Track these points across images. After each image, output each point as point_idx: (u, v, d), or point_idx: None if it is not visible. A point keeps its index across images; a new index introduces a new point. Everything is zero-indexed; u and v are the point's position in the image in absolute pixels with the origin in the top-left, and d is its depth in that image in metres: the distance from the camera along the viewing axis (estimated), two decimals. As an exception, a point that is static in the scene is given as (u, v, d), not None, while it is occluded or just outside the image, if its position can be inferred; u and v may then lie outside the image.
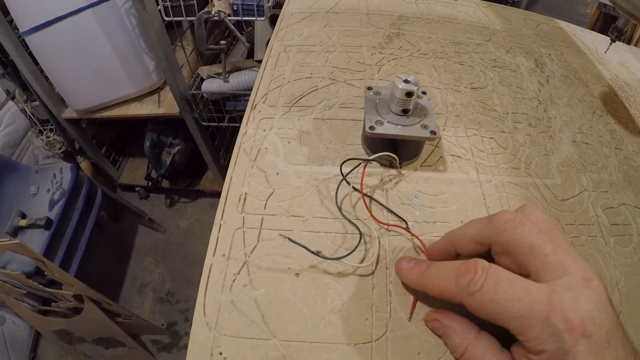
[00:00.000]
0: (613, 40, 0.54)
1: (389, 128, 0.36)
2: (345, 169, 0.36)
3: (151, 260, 1.65)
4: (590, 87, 0.57)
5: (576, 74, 0.58)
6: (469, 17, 0.66)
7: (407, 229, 0.34)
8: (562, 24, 0.73)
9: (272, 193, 0.37)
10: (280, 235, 0.33)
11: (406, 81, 0.35)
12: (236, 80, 1.23)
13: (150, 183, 1.71)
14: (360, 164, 0.36)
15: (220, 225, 0.35)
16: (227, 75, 1.22)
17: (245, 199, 0.36)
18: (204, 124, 1.35)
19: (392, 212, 0.36)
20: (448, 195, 0.38)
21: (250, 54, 1.47)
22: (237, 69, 1.27)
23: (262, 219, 0.35)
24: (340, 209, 0.35)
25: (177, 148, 1.58)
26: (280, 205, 0.36)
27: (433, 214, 0.36)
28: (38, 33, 1.18)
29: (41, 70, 1.34)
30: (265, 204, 0.36)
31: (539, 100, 0.51)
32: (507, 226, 0.27)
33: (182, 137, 1.61)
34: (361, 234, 0.33)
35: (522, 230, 0.26)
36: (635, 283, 0.34)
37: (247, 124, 0.43)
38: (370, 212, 0.35)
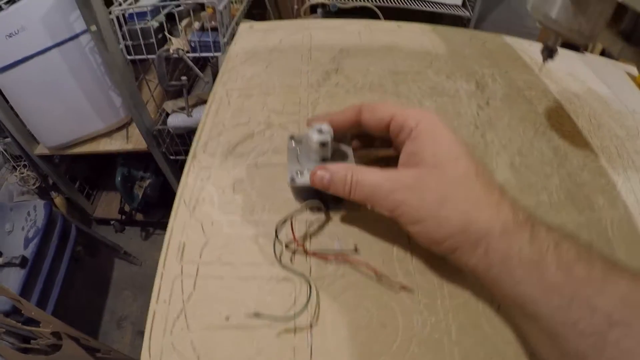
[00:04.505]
0: (545, 60, 0.51)
1: (308, 178, 0.37)
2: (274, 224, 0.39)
3: (129, 293, 1.65)
4: (535, 103, 0.57)
5: (520, 92, 0.59)
6: (412, 44, 0.67)
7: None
8: (509, 39, 0.73)
9: (206, 242, 0.39)
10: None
11: (319, 131, 0.37)
12: (200, 114, 1.25)
13: (124, 217, 1.72)
14: (286, 219, 0.38)
15: (162, 273, 0.38)
16: (190, 109, 1.26)
17: (183, 248, 0.39)
18: (172, 157, 1.38)
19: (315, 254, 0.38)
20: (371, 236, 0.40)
21: (216, 85, 1.50)
22: (203, 102, 1.30)
23: (198, 267, 0.38)
24: (281, 262, 0.37)
25: (148, 181, 1.60)
26: (213, 253, 0.39)
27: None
28: (7, 72, 1.22)
29: (12, 108, 1.35)
30: (201, 253, 0.39)
31: (476, 126, 0.52)
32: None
33: (153, 170, 1.63)
34: (310, 285, 0.35)
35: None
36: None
37: (187, 175, 0.45)
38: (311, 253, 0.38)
